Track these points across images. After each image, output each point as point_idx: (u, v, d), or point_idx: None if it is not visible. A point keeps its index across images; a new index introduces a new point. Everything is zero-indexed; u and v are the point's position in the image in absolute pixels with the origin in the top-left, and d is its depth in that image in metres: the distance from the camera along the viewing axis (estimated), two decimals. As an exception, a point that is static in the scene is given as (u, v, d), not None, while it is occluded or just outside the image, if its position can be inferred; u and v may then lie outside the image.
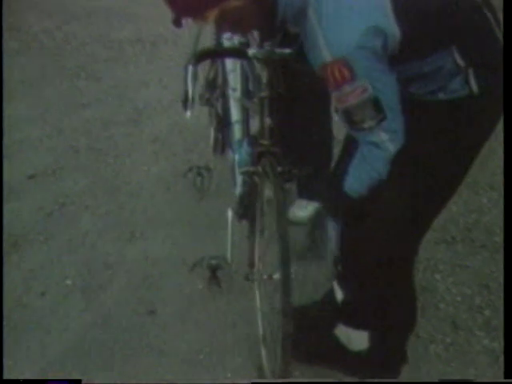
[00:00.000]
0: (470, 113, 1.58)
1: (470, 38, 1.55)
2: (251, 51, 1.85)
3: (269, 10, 1.50)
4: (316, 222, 2.56)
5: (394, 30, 1.45)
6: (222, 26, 1.59)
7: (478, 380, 1.94)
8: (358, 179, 1.63)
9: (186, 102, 1.81)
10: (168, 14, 1.56)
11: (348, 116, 1.52)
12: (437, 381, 1.92)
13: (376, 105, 1.48)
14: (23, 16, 5.04)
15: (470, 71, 1.52)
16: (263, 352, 2.01)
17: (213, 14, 1.47)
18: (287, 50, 1.74)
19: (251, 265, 2.12)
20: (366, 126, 1.51)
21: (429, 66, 1.54)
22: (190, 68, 1.79)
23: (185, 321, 2.24)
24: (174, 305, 2.30)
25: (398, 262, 1.78)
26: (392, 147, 1.54)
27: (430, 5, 1.51)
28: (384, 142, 1.53)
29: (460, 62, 1.52)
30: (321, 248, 2.41)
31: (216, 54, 2.25)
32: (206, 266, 2.28)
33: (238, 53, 2.01)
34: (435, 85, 1.56)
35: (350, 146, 1.71)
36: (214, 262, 2.26)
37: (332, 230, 1.84)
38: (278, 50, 1.77)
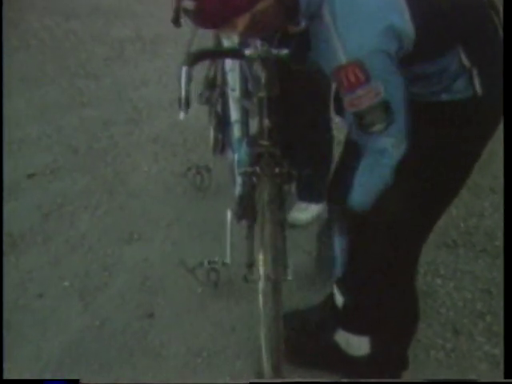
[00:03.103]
0: (473, 114, 1.56)
1: (475, 37, 1.54)
2: (247, 52, 1.83)
3: (293, 8, 1.46)
4: (322, 239, 2.51)
5: (409, 31, 1.43)
6: (249, 31, 1.49)
7: (479, 383, 1.94)
8: (365, 192, 1.61)
9: (180, 103, 1.78)
10: (168, 12, 1.53)
11: (358, 119, 1.50)
12: (438, 381, 1.91)
13: (386, 108, 1.47)
14: (23, 13, 5.01)
15: (474, 71, 1.51)
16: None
17: (243, 21, 1.41)
18: (284, 51, 1.72)
19: (250, 265, 2.10)
20: (375, 129, 1.49)
21: (434, 66, 1.52)
22: (184, 70, 1.76)
23: (183, 324, 2.22)
24: (172, 307, 2.29)
25: (400, 267, 1.76)
26: (396, 153, 1.53)
27: (441, 4, 1.50)
28: (388, 148, 1.52)
29: (465, 61, 1.51)
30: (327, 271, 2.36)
31: (213, 54, 2.22)
32: (206, 269, 2.26)
33: (235, 53, 1.98)
34: (439, 85, 1.55)
35: (349, 159, 1.68)
36: (213, 265, 2.25)
37: (339, 247, 1.82)
38: (275, 51, 1.75)
